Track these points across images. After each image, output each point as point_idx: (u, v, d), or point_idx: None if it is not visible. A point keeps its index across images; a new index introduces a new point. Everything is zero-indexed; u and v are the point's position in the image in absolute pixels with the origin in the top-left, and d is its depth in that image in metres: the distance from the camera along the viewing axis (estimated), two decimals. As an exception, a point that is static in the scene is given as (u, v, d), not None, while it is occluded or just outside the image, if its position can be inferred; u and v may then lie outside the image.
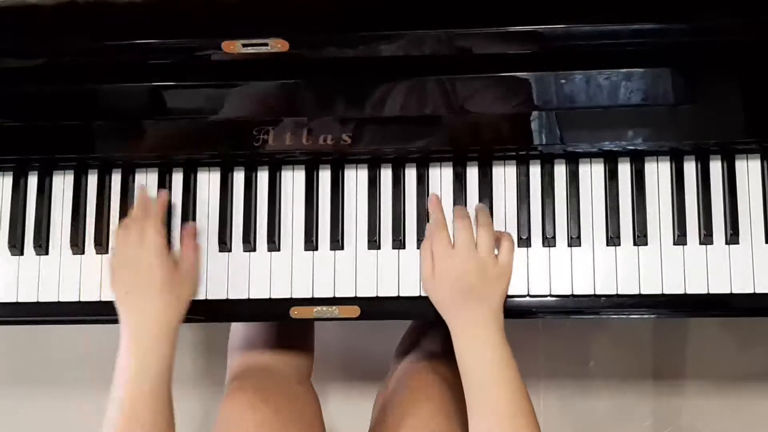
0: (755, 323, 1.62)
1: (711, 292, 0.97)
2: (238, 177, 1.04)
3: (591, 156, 1.00)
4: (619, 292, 0.98)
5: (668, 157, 1.00)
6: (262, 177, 1.03)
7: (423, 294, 0.98)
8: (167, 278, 0.95)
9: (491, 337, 0.92)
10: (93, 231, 1.04)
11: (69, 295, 1.03)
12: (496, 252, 0.97)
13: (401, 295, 1.00)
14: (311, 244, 1.01)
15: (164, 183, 1.04)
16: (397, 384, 1.11)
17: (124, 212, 1.04)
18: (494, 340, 0.92)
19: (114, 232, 1.01)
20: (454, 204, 1.00)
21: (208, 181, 1.04)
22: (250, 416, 1.01)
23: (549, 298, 0.99)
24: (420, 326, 1.28)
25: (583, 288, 0.99)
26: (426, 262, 0.97)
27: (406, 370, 1.12)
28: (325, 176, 1.03)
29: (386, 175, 1.02)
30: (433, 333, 1.20)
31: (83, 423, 1.70)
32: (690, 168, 0.99)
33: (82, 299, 1.03)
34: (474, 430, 0.90)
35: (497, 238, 0.97)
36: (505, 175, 1.01)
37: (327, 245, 1.01)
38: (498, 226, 1.00)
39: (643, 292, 0.98)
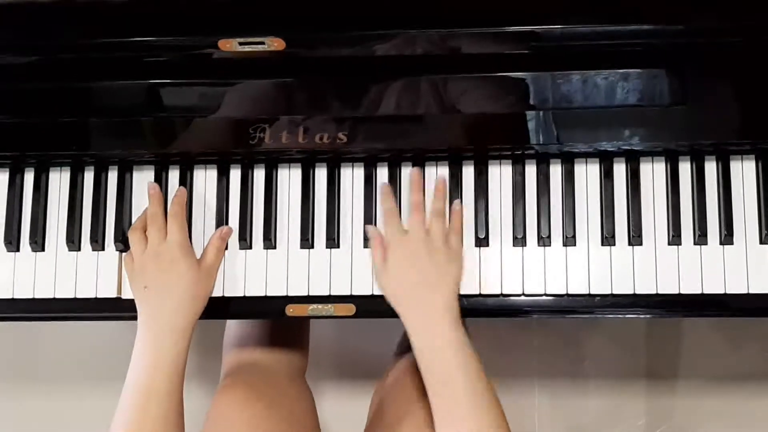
0: (748, 323, 1.62)
1: (705, 292, 0.97)
2: (235, 175, 1.04)
3: (586, 156, 1.00)
4: (614, 292, 0.98)
5: (663, 158, 1.00)
6: (259, 175, 1.03)
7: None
8: (189, 274, 0.96)
9: (447, 329, 0.92)
10: (89, 228, 1.04)
11: (65, 292, 1.03)
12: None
13: (396, 293, 1.00)
14: (307, 242, 1.01)
15: (160, 181, 1.04)
16: (395, 382, 1.11)
17: (120, 209, 1.04)
18: (450, 328, 0.92)
19: (131, 229, 1.01)
20: (451, 202, 1.01)
21: (205, 179, 1.04)
22: (242, 412, 1.02)
23: (544, 297, 0.99)
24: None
25: (577, 287, 0.99)
26: (376, 252, 0.97)
27: (405, 368, 1.11)
28: (321, 175, 1.03)
29: (382, 174, 1.02)
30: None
31: (78, 419, 1.70)
32: (685, 168, 0.99)
33: (78, 296, 1.03)
34: (439, 423, 0.89)
35: (454, 224, 0.98)
36: (500, 175, 1.01)
37: (323, 243, 1.02)
38: (493, 225, 1.00)
39: (637, 292, 0.98)
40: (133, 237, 0.99)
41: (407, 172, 1.02)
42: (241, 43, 0.92)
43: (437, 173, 1.02)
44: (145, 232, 1.00)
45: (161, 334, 0.93)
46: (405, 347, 1.22)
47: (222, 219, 1.03)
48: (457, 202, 1.00)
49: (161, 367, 0.91)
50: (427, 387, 0.91)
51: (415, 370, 1.06)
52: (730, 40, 0.94)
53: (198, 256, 1.00)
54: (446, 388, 0.90)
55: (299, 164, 1.03)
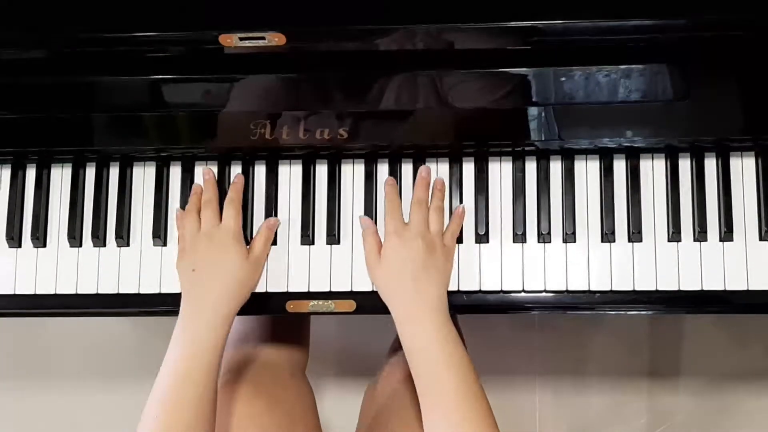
0: (749, 321, 1.62)
1: (705, 288, 0.98)
2: (235, 171, 1.04)
3: (586, 152, 1.01)
4: (614, 288, 0.98)
5: (663, 154, 1.00)
6: (260, 171, 1.04)
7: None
8: (238, 262, 0.96)
9: (438, 319, 0.92)
10: (90, 224, 1.04)
11: (66, 288, 1.04)
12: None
13: (397, 289, 1.00)
14: (308, 238, 1.01)
15: (162, 177, 1.04)
16: (387, 383, 1.11)
17: (121, 206, 1.04)
18: (441, 323, 0.92)
19: (185, 210, 1.01)
20: (450, 199, 1.01)
21: (206, 175, 1.04)
22: (243, 409, 1.02)
23: (544, 294, 0.99)
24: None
25: (577, 284, 0.99)
26: (369, 243, 0.98)
27: (398, 369, 1.12)
28: (322, 170, 1.03)
29: (383, 169, 1.03)
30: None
31: (80, 416, 1.71)
32: (685, 165, 1.00)
33: (79, 292, 1.03)
34: (426, 416, 0.90)
35: (452, 226, 0.99)
36: (500, 171, 1.01)
37: (323, 239, 1.02)
38: (493, 221, 1.00)
39: (637, 288, 0.98)
40: (188, 218, 1.00)
41: (408, 168, 1.02)
42: (241, 38, 0.92)
43: (437, 169, 1.02)
44: (199, 214, 1.00)
45: (203, 319, 0.93)
46: (398, 345, 1.22)
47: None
48: (461, 205, 1.00)
49: (200, 352, 0.91)
50: (416, 383, 0.92)
51: (410, 382, 1.06)
52: (732, 35, 0.94)
53: None
54: (435, 381, 0.90)
55: (300, 160, 1.03)
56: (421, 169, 1.01)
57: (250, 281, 0.98)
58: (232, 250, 0.97)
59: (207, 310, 0.94)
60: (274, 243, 1.02)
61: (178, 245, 1.01)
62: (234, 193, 1.01)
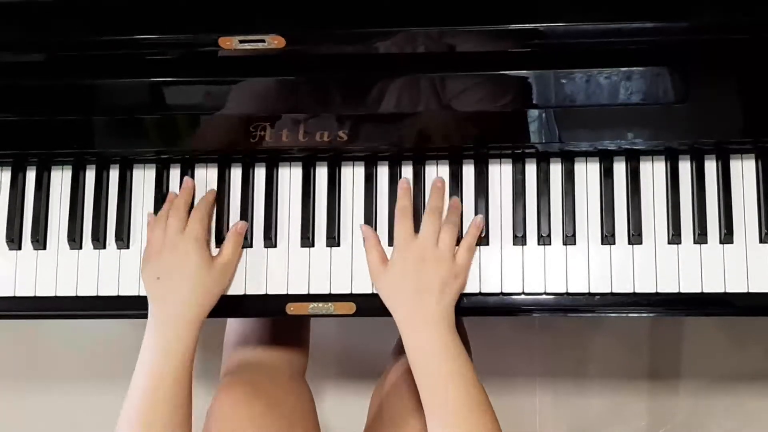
0: (750, 322, 1.62)
1: (705, 291, 0.97)
2: (235, 173, 1.04)
3: (586, 155, 1.01)
4: (614, 291, 0.98)
5: (663, 156, 1.00)
6: (259, 173, 1.04)
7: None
8: (201, 269, 0.96)
9: (441, 333, 0.92)
10: (90, 226, 1.04)
11: (66, 290, 1.04)
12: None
13: (397, 291, 1.00)
14: (307, 240, 1.01)
15: (161, 179, 1.04)
16: (393, 387, 1.11)
17: (121, 208, 1.04)
18: (444, 336, 0.92)
19: (156, 217, 1.01)
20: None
21: (206, 177, 1.04)
22: (242, 411, 1.02)
23: (544, 296, 0.99)
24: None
25: (577, 286, 0.99)
26: (373, 254, 0.98)
27: (403, 374, 1.11)
28: (321, 173, 1.03)
29: (383, 172, 1.03)
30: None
31: (80, 417, 1.71)
32: (685, 167, 0.99)
33: (79, 294, 1.03)
34: (431, 426, 0.89)
35: (468, 239, 0.98)
36: (500, 173, 1.01)
37: (323, 242, 1.02)
38: (493, 224, 1.00)
39: (637, 291, 0.98)
40: (156, 225, 1.00)
41: (407, 170, 1.02)
42: (241, 41, 0.92)
43: (437, 172, 1.02)
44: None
45: (170, 326, 0.94)
46: (401, 348, 1.22)
47: (222, 217, 1.03)
48: (479, 216, 0.99)
49: (169, 357, 0.92)
50: (421, 393, 0.91)
51: (413, 377, 1.06)
52: (733, 38, 0.93)
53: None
54: (438, 395, 0.90)
55: (300, 163, 1.03)
56: (435, 180, 1.00)
57: (216, 287, 0.98)
58: (194, 257, 0.96)
59: (174, 317, 0.94)
60: (274, 246, 1.02)
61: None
62: (202, 204, 1.00)
